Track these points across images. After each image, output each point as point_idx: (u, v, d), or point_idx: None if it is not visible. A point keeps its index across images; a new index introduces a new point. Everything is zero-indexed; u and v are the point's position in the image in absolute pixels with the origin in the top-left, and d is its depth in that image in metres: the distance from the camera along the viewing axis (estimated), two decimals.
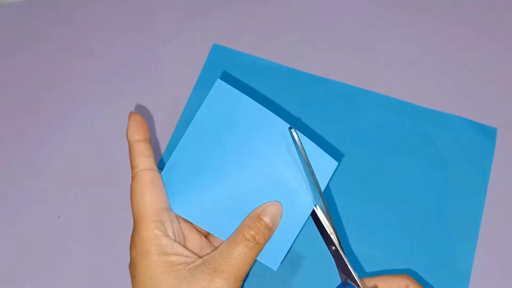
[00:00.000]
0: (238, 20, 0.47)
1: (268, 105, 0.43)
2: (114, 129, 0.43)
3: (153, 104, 0.44)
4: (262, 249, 0.30)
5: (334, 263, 0.31)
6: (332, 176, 0.32)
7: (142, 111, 0.44)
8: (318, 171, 0.31)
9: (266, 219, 0.31)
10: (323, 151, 0.32)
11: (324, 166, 0.32)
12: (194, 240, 0.33)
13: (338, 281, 0.32)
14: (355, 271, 0.30)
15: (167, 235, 0.30)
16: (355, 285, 0.30)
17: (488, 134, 0.41)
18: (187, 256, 0.30)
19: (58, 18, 0.48)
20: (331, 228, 0.31)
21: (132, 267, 0.30)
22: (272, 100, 0.43)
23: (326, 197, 0.40)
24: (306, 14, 0.47)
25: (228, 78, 0.43)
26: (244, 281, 0.31)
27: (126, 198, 0.41)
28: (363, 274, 0.38)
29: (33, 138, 0.43)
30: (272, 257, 0.31)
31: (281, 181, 0.32)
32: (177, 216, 0.32)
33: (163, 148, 0.42)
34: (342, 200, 0.40)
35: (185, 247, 0.31)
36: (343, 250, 0.31)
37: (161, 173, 0.31)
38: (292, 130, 0.30)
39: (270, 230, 0.31)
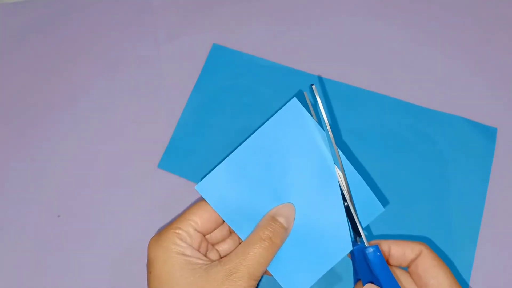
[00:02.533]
0: (238, 20, 0.47)
1: (268, 105, 0.43)
2: (114, 129, 0.43)
3: (153, 104, 0.44)
4: (278, 250, 0.31)
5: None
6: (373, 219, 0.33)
7: (142, 111, 0.44)
8: (361, 210, 0.32)
9: (281, 220, 0.31)
10: (371, 193, 0.32)
11: (369, 207, 0.32)
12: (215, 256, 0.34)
13: None
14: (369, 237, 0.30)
15: (188, 242, 0.31)
16: (362, 242, 0.30)
17: (488, 134, 0.41)
18: (205, 261, 0.30)
19: (58, 18, 0.48)
20: (344, 184, 0.31)
21: (149, 263, 0.31)
22: (272, 100, 0.43)
23: None
24: (306, 14, 0.47)
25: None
26: (260, 280, 0.31)
27: (126, 198, 0.41)
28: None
29: (33, 138, 0.43)
30: (295, 283, 0.31)
31: (324, 212, 0.32)
32: (206, 239, 0.33)
33: (163, 148, 0.42)
34: None
35: (205, 255, 0.32)
36: (354, 207, 0.31)
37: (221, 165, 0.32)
38: (313, 86, 0.31)
39: (286, 230, 0.31)
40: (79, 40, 0.47)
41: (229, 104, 0.43)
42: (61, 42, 0.47)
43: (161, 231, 0.31)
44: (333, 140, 0.31)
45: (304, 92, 0.33)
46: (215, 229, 0.33)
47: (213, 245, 0.34)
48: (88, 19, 0.48)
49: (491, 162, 0.40)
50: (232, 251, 0.30)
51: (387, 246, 0.31)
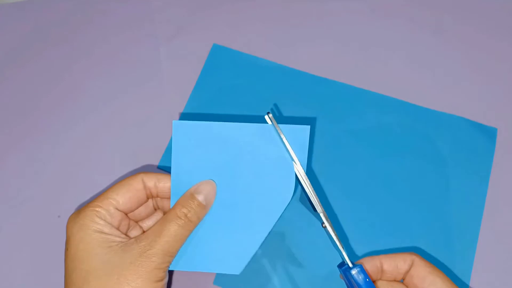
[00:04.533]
0: (238, 20, 0.47)
1: (268, 105, 0.43)
2: (114, 129, 0.43)
3: (153, 104, 0.44)
4: (195, 227, 0.31)
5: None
6: (309, 140, 0.33)
7: (142, 111, 0.44)
8: (295, 143, 0.33)
9: (200, 197, 0.32)
10: (291, 125, 0.33)
11: (299, 135, 0.33)
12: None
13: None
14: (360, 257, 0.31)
15: (108, 221, 0.31)
16: (346, 263, 0.31)
17: (488, 134, 0.41)
18: (123, 238, 0.31)
19: (58, 18, 0.48)
20: (319, 207, 0.32)
21: (66, 241, 0.31)
22: (272, 100, 0.43)
23: (325, 196, 0.40)
24: (306, 14, 0.47)
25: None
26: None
27: None
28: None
29: (32, 138, 0.43)
30: (234, 262, 0.33)
31: (245, 189, 0.33)
32: (127, 217, 0.33)
33: (163, 148, 0.42)
34: (342, 200, 0.40)
35: (126, 233, 0.32)
36: (332, 227, 0.31)
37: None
38: (269, 114, 0.32)
39: (204, 208, 0.32)
40: (79, 41, 0.47)
41: (229, 104, 0.43)
42: (61, 42, 0.47)
43: (80, 209, 0.31)
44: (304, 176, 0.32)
45: (268, 113, 0.33)
46: (137, 207, 0.34)
47: (136, 221, 0.34)
48: (88, 19, 0.48)
49: (491, 162, 0.40)
50: (149, 228, 0.31)
51: (378, 262, 0.31)
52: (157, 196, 0.34)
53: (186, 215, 0.31)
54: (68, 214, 0.40)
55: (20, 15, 0.48)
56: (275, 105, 0.43)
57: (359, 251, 0.38)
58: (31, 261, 0.39)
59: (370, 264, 0.31)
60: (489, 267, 0.38)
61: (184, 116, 0.43)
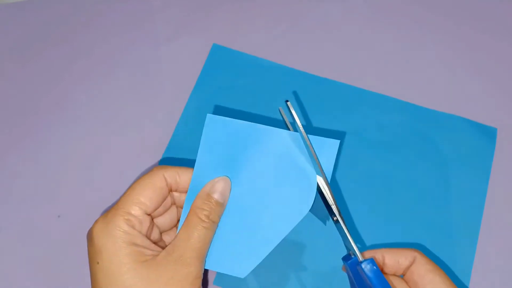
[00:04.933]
0: (238, 20, 0.47)
1: (268, 105, 0.43)
2: (114, 129, 0.43)
3: (153, 104, 0.44)
4: (217, 226, 0.31)
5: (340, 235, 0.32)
6: (336, 155, 0.33)
7: (142, 111, 0.44)
8: (322, 155, 0.32)
9: (216, 196, 0.31)
10: (321, 137, 0.32)
11: (327, 148, 0.32)
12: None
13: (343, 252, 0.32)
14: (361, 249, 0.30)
15: (138, 229, 0.30)
16: (356, 256, 0.30)
17: (488, 134, 0.41)
18: (153, 250, 0.30)
19: (58, 18, 0.48)
20: (331, 199, 0.31)
21: (96, 253, 0.29)
22: (272, 100, 0.43)
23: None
24: (306, 14, 0.47)
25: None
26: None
27: None
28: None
29: (32, 138, 0.43)
30: (240, 265, 0.32)
31: (265, 197, 0.32)
32: (154, 222, 0.32)
33: (163, 148, 0.42)
34: (341, 199, 0.40)
35: (154, 242, 0.31)
36: (344, 221, 0.31)
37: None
38: (288, 103, 0.31)
39: (222, 205, 0.31)
40: (79, 41, 0.47)
41: (229, 104, 0.43)
42: (61, 42, 0.47)
43: (107, 215, 0.30)
44: (314, 154, 0.31)
45: (280, 108, 0.33)
46: (160, 206, 0.32)
47: (153, 218, 0.33)
48: (87, 19, 0.48)
49: (491, 162, 0.40)
50: (175, 237, 0.30)
51: (380, 256, 0.31)
52: (176, 191, 0.33)
53: (208, 217, 0.30)
54: (68, 214, 0.40)
55: (20, 15, 0.48)
56: (275, 105, 0.43)
57: (362, 248, 0.38)
58: (31, 261, 0.39)
59: (370, 257, 0.31)
60: (489, 267, 0.37)
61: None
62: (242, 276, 0.32)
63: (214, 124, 0.33)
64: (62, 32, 0.47)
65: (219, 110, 0.42)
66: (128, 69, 0.45)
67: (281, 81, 0.44)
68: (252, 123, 0.33)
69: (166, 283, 0.28)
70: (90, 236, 0.30)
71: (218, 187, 0.31)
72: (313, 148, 0.31)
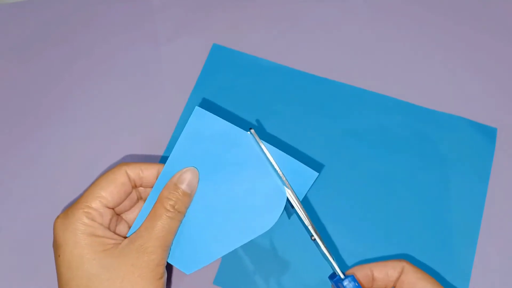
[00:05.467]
0: (238, 20, 0.47)
1: (268, 105, 0.43)
2: (114, 129, 0.43)
3: (153, 104, 0.44)
4: (183, 217, 0.31)
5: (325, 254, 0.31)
6: (310, 186, 0.33)
7: (142, 111, 0.44)
8: (295, 182, 0.32)
9: (183, 187, 0.31)
10: (300, 163, 0.33)
11: (304, 176, 0.33)
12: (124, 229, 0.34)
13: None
14: (350, 265, 0.30)
15: (99, 221, 0.30)
16: (337, 274, 0.30)
17: (488, 134, 0.41)
18: (116, 240, 0.30)
19: (58, 18, 0.48)
20: (307, 220, 0.31)
21: (57, 247, 0.29)
22: (272, 100, 0.43)
23: (325, 197, 0.40)
24: (306, 14, 0.47)
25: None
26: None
27: None
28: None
29: (32, 138, 0.43)
30: (189, 261, 0.32)
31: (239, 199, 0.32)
32: (123, 218, 0.33)
33: (163, 148, 0.42)
34: (341, 199, 0.40)
35: (115, 232, 0.32)
36: (321, 239, 0.31)
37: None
38: (252, 131, 0.32)
39: (189, 196, 0.31)
40: (79, 41, 0.47)
41: (229, 104, 0.43)
42: (61, 43, 0.47)
43: (68, 210, 0.30)
44: (276, 167, 0.32)
45: (251, 129, 0.33)
46: (123, 201, 0.33)
47: (119, 214, 0.34)
48: (87, 19, 0.48)
49: (491, 162, 0.40)
50: (140, 226, 0.30)
51: (369, 271, 0.31)
52: (141, 186, 0.34)
53: (173, 207, 0.30)
54: None
55: (20, 15, 0.48)
56: (275, 105, 0.43)
57: (358, 250, 0.38)
58: (31, 261, 0.39)
59: (361, 273, 0.31)
60: (489, 267, 0.37)
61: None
62: (187, 273, 0.32)
63: (200, 118, 0.33)
64: (62, 32, 0.47)
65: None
66: (128, 69, 0.45)
67: (281, 81, 0.44)
68: (236, 126, 0.33)
69: (127, 271, 0.28)
70: (53, 232, 0.30)
71: (186, 178, 0.31)
72: (284, 177, 0.31)
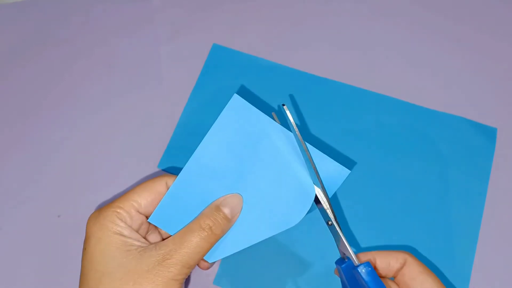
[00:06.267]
0: (238, 20, 0.47)
1: (268, 105, 0.43)
2: (114, 129, 0.43)
3: (153, 104, 0.44)
4: (218, 240, 0.30)
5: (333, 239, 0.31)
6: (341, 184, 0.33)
7: (142, 111, 0.44)
8: (326, 178, 0.32)
9: (226, 210, 0.31)
10: (332, 160, 0.32)
11: (334, 173, 0.32)
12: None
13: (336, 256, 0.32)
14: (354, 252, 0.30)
15: (128, 223, 0.30)
16: (351, 260, 0.30)
17: (488, 134, 0.41)
18: (142, 243, 0.30)
19: (58, 18, 0.48)
20: (327, 204, 0.31)
21: (85, 240, 0.30)
22: (272, 100, 0.43)
23: None
24: (306, 14, 0.47)
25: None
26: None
27: None
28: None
29: (32, 138, 0.43)
30: (211, 252, 0.31)
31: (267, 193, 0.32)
32: (142, 216, 0.32)
33: (163, 148, 0.42)
34: (341, 199, 0.40)
35: (145, 237, 0.32)
36: (339, 226, 0.31)
37: (176, 179, 0.32)
38: (285, 106, 0.31)
39: (229, 221, 0.31)
40: (79, 40, 0.47)
41: None
42: (61, 42, 0.47)
43: (101, 208, 0.31)
44: (309, 155, 0.31)
45: (273, 113, 0.33)
46: None
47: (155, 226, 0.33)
48: (88, 19, 0.48)
49: (491, 162, 0.40)
50: (173, 236, 0.30)
51: (372, 258, 0.31)
52: None
53: (210, 228, 0.30)
54: (68, 214, 0.40)
55: (20, 15, 0.48)
56: (275, 105, 0.43)
57: (358, 250, 0.38)
58: (31, 261, 0.39)
59: (363, 260, 0.31)
60: (489, 267, 0.37)
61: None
62: (210, 261, 0.32)
63: (237, 106, 0.32)
64: (62, 32, 0.47)
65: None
66: (128, 69, 0.45)
67: (281, 81, 0.44)
68: (273, 120, 0.32)
69: (142, 275, 0.28)
70: (86, 226, 0.31)
71: (229, 202, 0.31)
72: (316, 169, 0.31)
